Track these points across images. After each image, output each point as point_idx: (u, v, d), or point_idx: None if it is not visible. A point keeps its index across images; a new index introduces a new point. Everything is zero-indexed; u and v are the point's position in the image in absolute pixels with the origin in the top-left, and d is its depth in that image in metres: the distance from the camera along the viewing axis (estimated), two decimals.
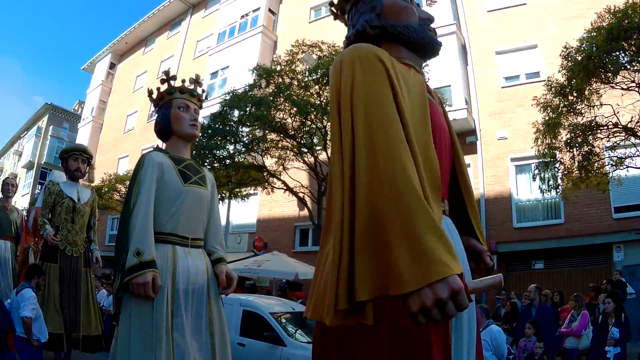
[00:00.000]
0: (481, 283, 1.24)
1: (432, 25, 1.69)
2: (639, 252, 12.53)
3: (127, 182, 20.40)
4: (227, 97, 14.01)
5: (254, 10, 23.60)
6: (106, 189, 20.93)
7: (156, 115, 3.18)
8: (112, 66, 34.94)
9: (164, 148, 3.12)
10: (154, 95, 3.25)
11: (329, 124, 7.92)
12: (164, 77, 3.21)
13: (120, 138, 30.53)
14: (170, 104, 3.10)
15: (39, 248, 5.43)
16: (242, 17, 24.01)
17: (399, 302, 1.17)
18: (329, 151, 10.84)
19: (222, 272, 3.05)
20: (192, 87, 3.24)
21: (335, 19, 1.90)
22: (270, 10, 23.50)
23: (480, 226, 1.69)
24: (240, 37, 23.30)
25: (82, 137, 33.53)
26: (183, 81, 3.27)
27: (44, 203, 5.12)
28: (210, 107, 17.15)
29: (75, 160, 5.23)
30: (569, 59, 9.67)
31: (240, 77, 18.68)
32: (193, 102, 3.17)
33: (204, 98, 3.31)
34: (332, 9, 1.89)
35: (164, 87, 3.20)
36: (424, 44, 1.66)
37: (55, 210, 5.07)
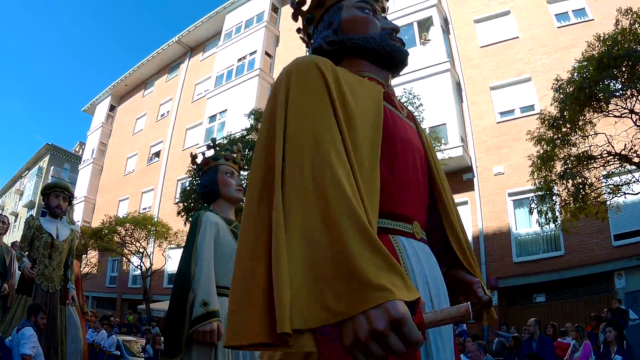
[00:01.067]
0: (442, 314, 1.03)
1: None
2: None
3: (128, 225, 20.51)
4: (224, 142, 14.18)
5: (250, 54, 23.86)
6: (106, 231, 20.85)
7: (201, 178, 3.47)
8: (112, 108, 35.18)
9: (212, 209, 3.37)
10: (198, 160, 3.58)
11: None
12: (211, 144, 3.60)
13: (120, 180, 30.55)
14: (217, 169, 3.37)
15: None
16: (239, 60, 24.26)
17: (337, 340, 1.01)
18: None
19: None
20: (235, 155, 3.55)
21: (307, 46, 1.80)
22: (267, 53, 23.76)
23: (468, 255, 1.51)
24: (238, 80, 23.50)
25: (83, 179, 33.66)
26: (227, 149, 3.67)
27: (23, 237, 5.20)
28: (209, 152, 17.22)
29: (56, 197, 5.23)
30: (560, 91, 9.73)
31: (238, 121, 18.82)
32: (235, 168, 3.47)
33: (243, 166, 3.63)
34: (300, 36, 1.83)
35: (209, 152, 3.54)
36: (385, 53, 1.53)
37: (34, 244, 5.11)
